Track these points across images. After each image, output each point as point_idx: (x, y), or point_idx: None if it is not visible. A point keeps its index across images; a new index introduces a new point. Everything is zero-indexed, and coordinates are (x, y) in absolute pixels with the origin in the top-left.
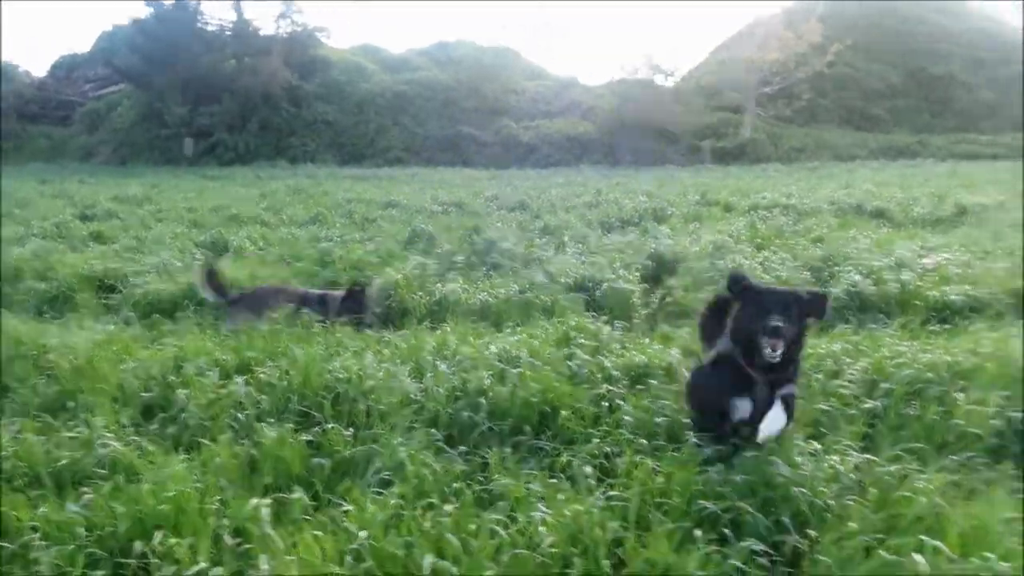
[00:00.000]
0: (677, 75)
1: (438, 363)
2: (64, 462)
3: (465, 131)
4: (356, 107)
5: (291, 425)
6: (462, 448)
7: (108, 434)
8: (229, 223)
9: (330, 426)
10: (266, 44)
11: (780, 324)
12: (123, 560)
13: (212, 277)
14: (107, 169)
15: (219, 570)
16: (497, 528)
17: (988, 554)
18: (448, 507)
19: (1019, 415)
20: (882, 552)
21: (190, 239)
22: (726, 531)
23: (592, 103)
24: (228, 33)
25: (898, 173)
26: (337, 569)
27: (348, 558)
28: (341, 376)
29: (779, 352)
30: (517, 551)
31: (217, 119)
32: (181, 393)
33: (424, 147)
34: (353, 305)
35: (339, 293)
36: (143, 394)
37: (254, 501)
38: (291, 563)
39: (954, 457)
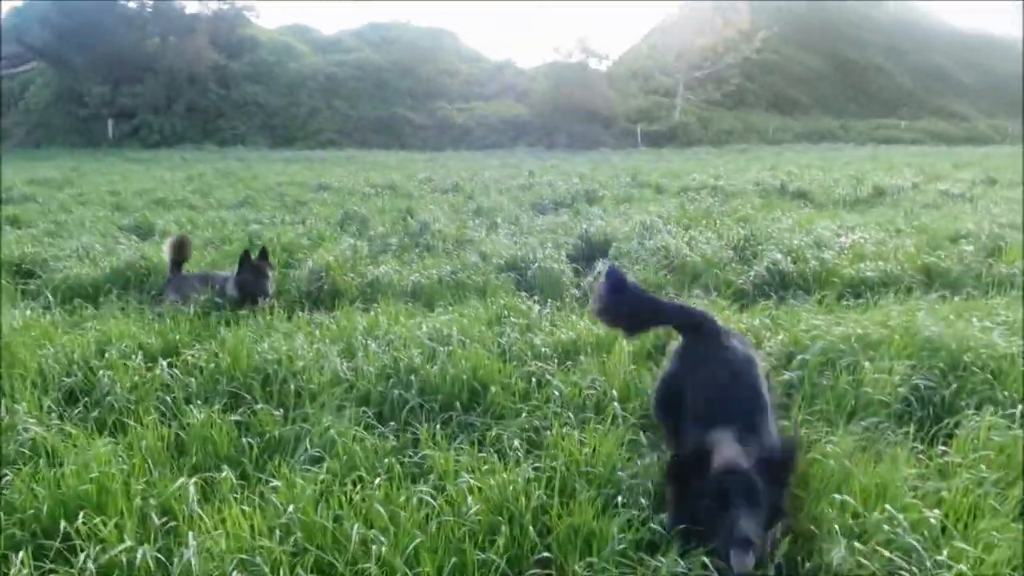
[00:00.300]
0: (610, 59)
1: (369, 343)
2: None
3: (400, 113)
4: (287, 88)
5: (219, 407)
6: (392, 424)
7: (30, 419)
8: (154, 207)
9: (260, 406)
10: (190, 22)
11: (750, 536)
12: (45, 542)
13: (181, 249)
14: (22, 152)
15: (146, 548)
16: (425, 498)
17: (889, 507)
18: (377, 480)
19: (923, 382)
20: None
21: (113, 223)
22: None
23: (527, 86)
24: (149, 10)
25: (821, 156)
26: (266, 542)
27: (277, 532)
28: (271, 357)
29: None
30: (444, 519)
31: (140, 100)
32: (104, 376)
33: (358, 129)
34: (250, 278)
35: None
36: (65, 379)
37: (181, 480)
38: (219, 538)
39: (863, 422)
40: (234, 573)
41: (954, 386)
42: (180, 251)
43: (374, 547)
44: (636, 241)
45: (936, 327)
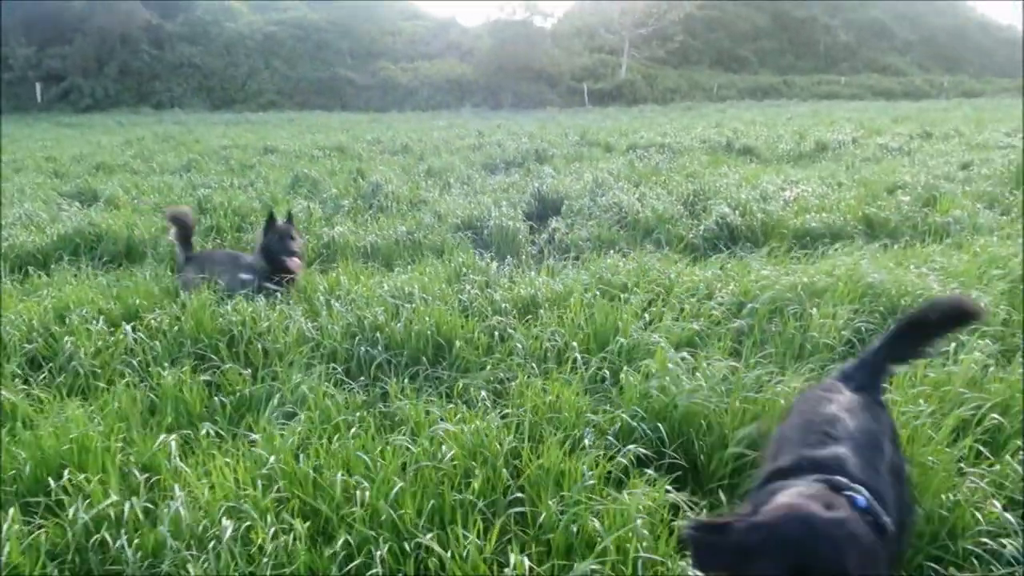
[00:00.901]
0: (555, 17)
1: (332, 302)
2: None
3: (341, 73)
4: (224, 49)
5: (187, 368)
6: (362, 380)
7: None
8: (95, 172)
9: (228, 366)
10: None
11: None
12: (31, 499)
13: (183, 221)
14: None
15: (134, 500)
16: (401, 446)
17: None
18: (352, 431)
19: (865, 325)
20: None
21: (53, 189)
22: (612, 439)
23: (471, 44)
24: None
25: (764, 112)
26: (251, 491)
27: (259, 482)
28: (235, 319)
29: None
30: (422, 464)
31: (69, 62)
32: (67, 342)
33: (298, 91)
34: (276, 242)
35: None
36: (26, 345)
37: (161, 437)
38: (204, 488)
39: (809, 364)
40: (223, 520)
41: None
42: (183, 223)
43: (357, 492)
44: (588, 198)
45: (877, 274)
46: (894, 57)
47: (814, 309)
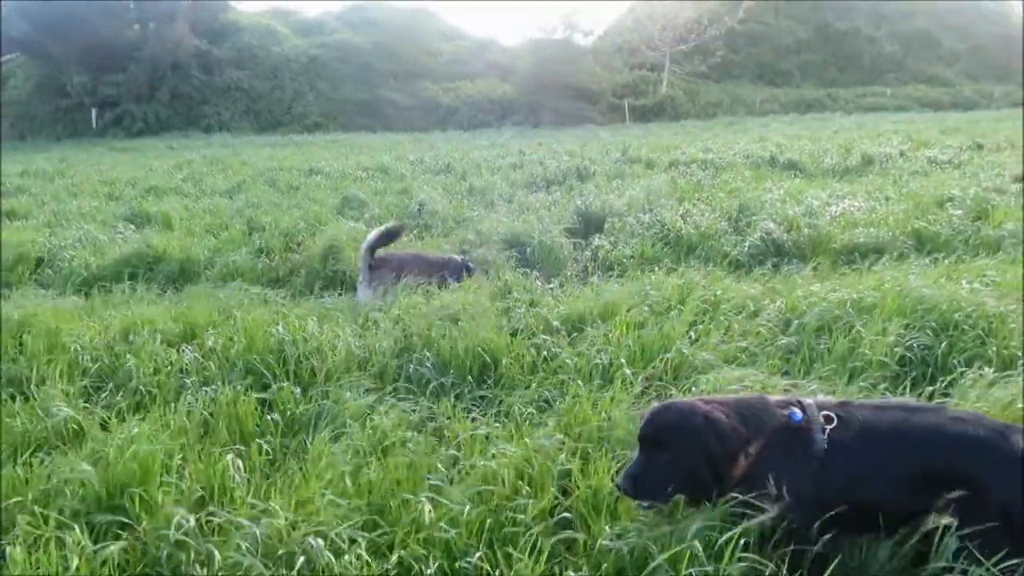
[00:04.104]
0: (595, 34)
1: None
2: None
3: (384, 95)
4: (270, 73)
5: (242, 387)
6: (411, 398)
7: (61, 403)
8: (147, 195)
9: (283, 385)
10: (171, 9)
11: None
12: (99, 518)
13: (392, 237)
14: (8, 144)
15: (202, 517)
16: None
17: None
18: (408, 447)
19: (917, 342)
20: None
21: (110, 212)
22: None
23: (511, 64)
24: None
25: (808, 126)
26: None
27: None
28: (287, 339)
29: None
30: (485, 488)
31: (123, 88)
32: (130, 361)
33: (342, 112)
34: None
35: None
36: (91, 364)
37: (230, 456)
38: (274, 505)
39: (860, 382)
40: (306, 537)
41: (944, 344)
42: (391, 239)
43: (419, 509)
44: (631, 216)
45: (928, 289)
46: (941, 67)
47: (862, 326)
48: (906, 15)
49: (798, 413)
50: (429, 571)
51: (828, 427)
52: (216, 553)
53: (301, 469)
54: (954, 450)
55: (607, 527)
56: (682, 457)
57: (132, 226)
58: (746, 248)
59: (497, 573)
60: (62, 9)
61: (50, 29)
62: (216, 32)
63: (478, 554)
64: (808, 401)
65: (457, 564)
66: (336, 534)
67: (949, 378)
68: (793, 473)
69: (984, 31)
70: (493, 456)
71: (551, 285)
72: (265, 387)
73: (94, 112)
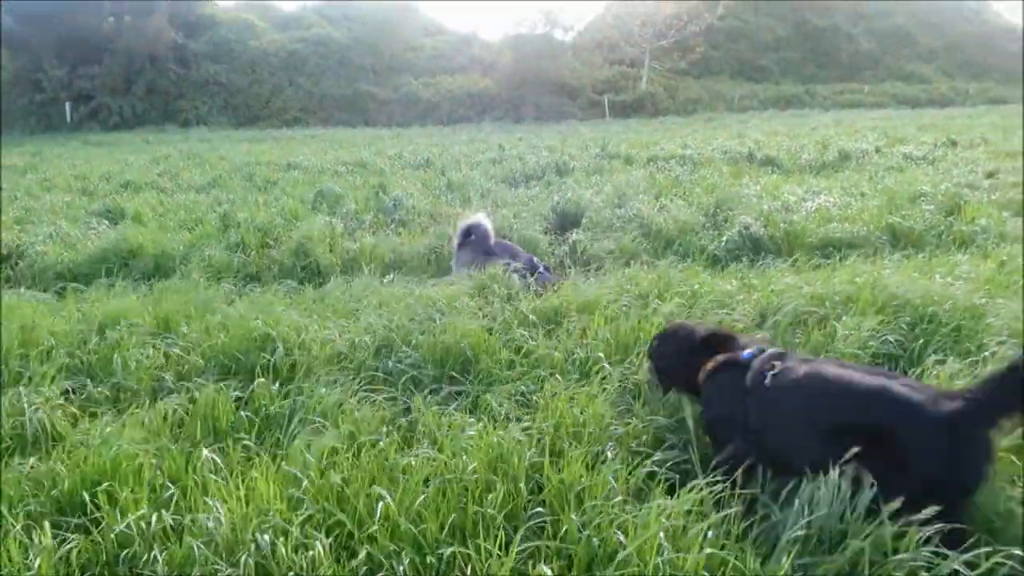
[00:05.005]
0: (575, 30)
1: (363, 315)
2: None
3: (364, 89)
4: (249, 67)
5: (217, 384)
6: (386, 392)
7: (37, 401)
8: (123, 190)
9: (259, 381)
10: (147, 2)
11: None
12: (64, 516)
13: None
14: None
15: (163, 514)
16: (426, 458)
17: None
18: (379, 445)
19: (891, 336)
20: None
21: (82, 208)
22: (640, 449)
23: (492, 59)
24: None
25: (787, 122)
26: (278, 504)
27: (286, 496)
28: (267, 333)
29: None
30: (445, 477)
31: (98, 82)
32: (104, 356)
33: (322, 107)
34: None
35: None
36: (67, 359)
37: (205, 452)
38: (233, 501)
39: None
40: (255, 533)
41: (921, 340)
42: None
43: (380, 505)
44: (609, 211)
45: (902, 284)
46: (918, 65)
47: (836, 321)
48: (884, 13)
49: (750, 353)
50: (402, 567)
51: (771, 373)
52: (170, 550)
53: (272, 464)
54: (879, 407)
55: (574, 516)
56: (672, 347)
57: (106, 221)
58: (724, 243)
59: (469, 568)
60: (38, 1)
61: (26, 22)
62: (193, 25)
63: (450, 549)
64: (771, 350)
65: (427, 559)
66: (296, 529)
67: (919, 369)
68: (729, 397)
69: (961, 29)
70: (465, 451)
71: (529, 280)
72: (243, 383)
73: (68, 106)
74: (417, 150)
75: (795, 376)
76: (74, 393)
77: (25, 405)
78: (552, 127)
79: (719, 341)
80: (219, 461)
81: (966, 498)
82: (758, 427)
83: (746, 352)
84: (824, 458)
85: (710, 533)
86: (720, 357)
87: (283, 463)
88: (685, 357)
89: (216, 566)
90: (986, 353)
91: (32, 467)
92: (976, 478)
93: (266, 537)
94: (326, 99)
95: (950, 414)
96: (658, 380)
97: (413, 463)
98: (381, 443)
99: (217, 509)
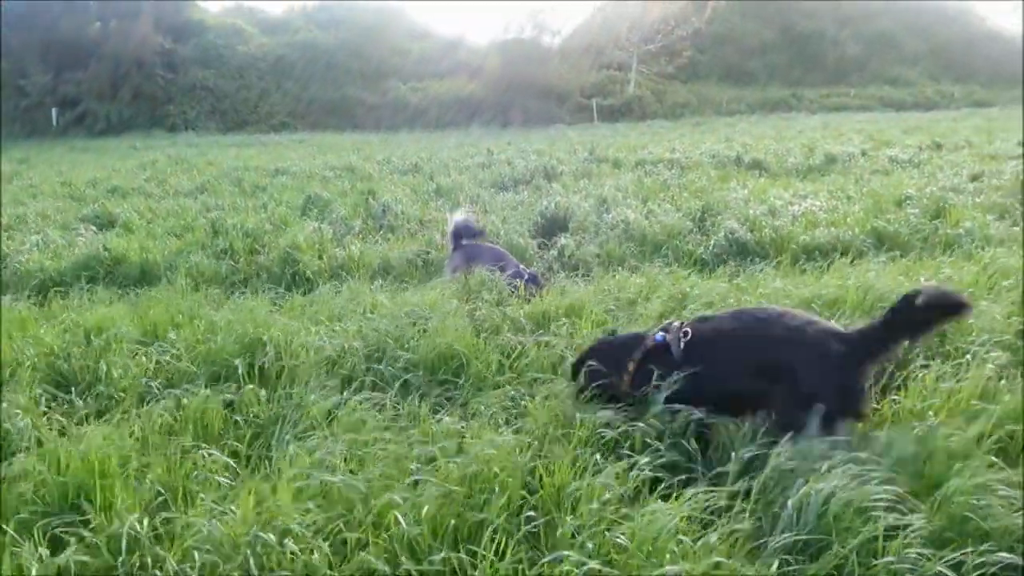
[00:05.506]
0: (563, 34)
1: (348, 320)
2: None
3: (352, 94)
4: (236, 72)
5: (207, 390)
6: (377, 396)
7: (19, 410)
8: (110, 196)
9: (249, 387)
10: (133, 6)
11: None
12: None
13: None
14: None
15: (147, 522)
16: (420, 461)
17: None
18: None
19: None
20: None
21: (70, 214)
22: (630, 453)
23: (480, 63)
24: None
25: (774, 126)
26: (276, 511)
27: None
28: (257, 339)
29: None
30: (432, 482)
31: (84, 87)
32: (92, 364)
33: (309, 111)
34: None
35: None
36: (50, 369)
37: (206, 454)
38: (228, 507)
39: None
40: (255, 533)
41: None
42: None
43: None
44: (596, 215)
45: (887, 286)
46: (904, 68)
47: None
48: (869, 17)
49: (661, 335)
50: (396, 572)
51: (683, 340)
52: (168, 555)
53: (267, 472)
54: (778, 348)
55: (568, 518)
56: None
57: (94, 228)
58: (711, 247)
59: (463, 573)
60: (22, 5)
61: (9, 26)
62: (180, 30)
63: (442, 554)
64: (675, 324)
65: (422, 565)
66: (296, 532)
67: (905, 373)
68: (661, 378)
69: (946, 33)
70: (458, 455)
71: (515, 282)
72: (232, 389)
73: (54, 111)
74: (405, 155)
75: (706, 338)
76: (56, 401)
77: (6, 414)
78: (540, 131)
79: (636, 342)
80: (210, 466)
81: (848, 418)
82: (692, 384)
83: (657, 336)
84: (748, 394)
85: (714, 538)
86: (636, 353)
87: (276, 468)
88: (613, 366)
89: (213, 570)
90: (968, 356)
91: (17, 475)
92: (854, 401)
93: (264, 540)
94: (314, 104)
95: (835, 352)
96: (595, 393)
97: (407, 468)
98: (373, 448)
99: (211, 514)
